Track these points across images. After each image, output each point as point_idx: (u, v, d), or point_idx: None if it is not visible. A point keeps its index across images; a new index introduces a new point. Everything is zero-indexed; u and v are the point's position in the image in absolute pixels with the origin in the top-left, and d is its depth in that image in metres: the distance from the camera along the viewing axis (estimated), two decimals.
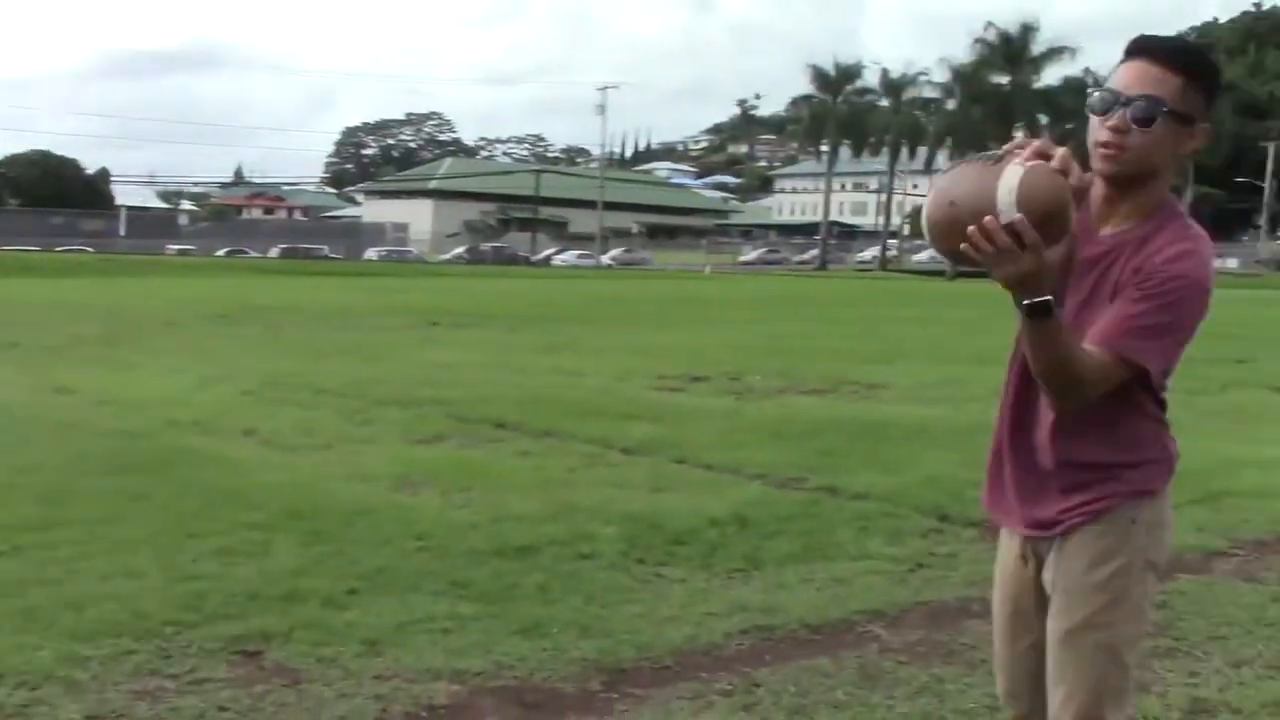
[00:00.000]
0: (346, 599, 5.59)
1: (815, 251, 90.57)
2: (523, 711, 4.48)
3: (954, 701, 4.62)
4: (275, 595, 5.59)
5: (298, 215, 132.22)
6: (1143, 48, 2.68)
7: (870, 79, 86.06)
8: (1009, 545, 3.03)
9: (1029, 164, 2.48)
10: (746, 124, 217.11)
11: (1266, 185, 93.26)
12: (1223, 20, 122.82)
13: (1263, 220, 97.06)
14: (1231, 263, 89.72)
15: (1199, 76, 2.66)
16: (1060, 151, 2.52)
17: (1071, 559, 2.81)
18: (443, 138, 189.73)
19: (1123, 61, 2.70)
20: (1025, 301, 2.53)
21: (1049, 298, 2.52)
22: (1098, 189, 2.74)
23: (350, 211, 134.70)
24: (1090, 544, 2.79)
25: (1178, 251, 2.67)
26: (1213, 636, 5.43)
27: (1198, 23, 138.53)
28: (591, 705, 4.55)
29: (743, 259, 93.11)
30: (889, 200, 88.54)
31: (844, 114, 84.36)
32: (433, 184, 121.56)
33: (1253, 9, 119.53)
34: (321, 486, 7.90)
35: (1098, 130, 2.67)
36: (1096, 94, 2.68)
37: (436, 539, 6.43)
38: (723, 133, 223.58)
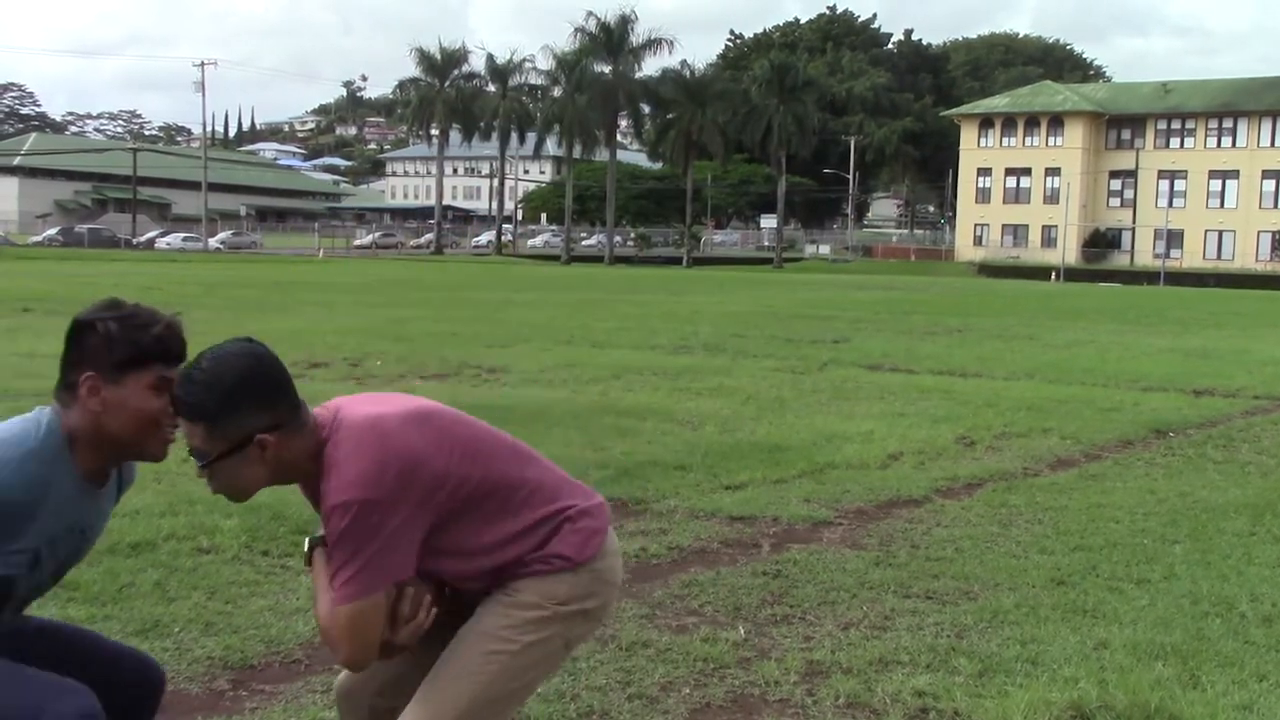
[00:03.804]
0: None
1: (431, 236, 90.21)
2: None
3: (587, 679, 4.72)
4: None
5: None
6: (174, 397, 2.75)
7: (477, 64, 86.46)
8: None
9: None
10: (353, 106, 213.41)
11: (851, 176, 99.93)
12: (804, 20, 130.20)
13: (849, 209, 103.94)
14: (824, 249, 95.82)
15: (213, 417, 2.69)
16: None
17: None
18: (25, 111, 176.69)
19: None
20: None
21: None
22: None
23: None
24: None
25: (330, 487, 2.73)
26: (823, 601, 5.79)
27: (780, 21, 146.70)
28: (219, 704, 4.39)
29: (357, 243, 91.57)
30: (501, 185, 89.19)
31: (452, 98, 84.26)
32: (17, 160, 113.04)
33: (828, 11, 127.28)
34: None
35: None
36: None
37: None
38: (330, 114, 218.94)
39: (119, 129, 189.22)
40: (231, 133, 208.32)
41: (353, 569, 2.70)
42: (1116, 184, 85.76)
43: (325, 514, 2.71)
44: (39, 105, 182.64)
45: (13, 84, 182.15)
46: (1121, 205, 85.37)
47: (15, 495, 2.68)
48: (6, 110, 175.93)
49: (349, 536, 2.69)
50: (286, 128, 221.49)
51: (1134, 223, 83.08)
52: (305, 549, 2.86)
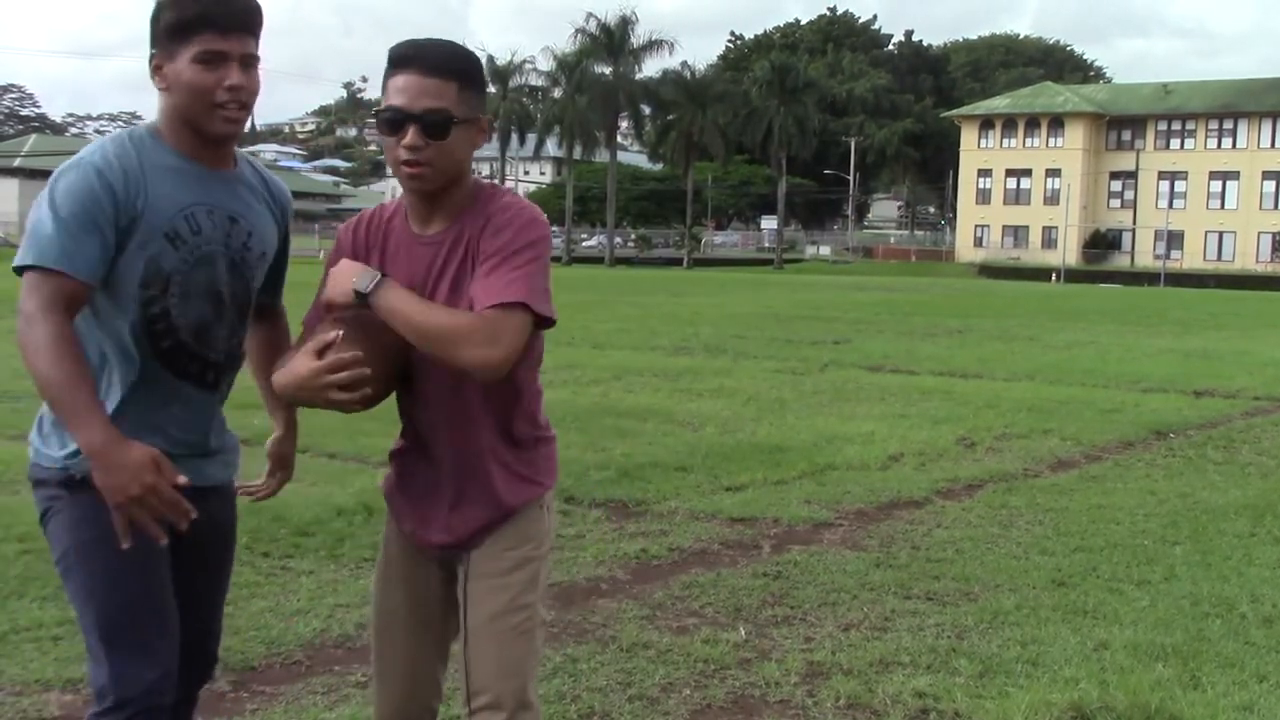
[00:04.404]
0: None
1: None
2: None
3: (588, 680, 4.72)
4: None
5: None
6: (409, 59, 2.64)
7: None
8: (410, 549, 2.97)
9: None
10: (354, 107, 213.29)
11: (852, 178, 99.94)
12: (804, 21, 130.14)
13: (850, 210, 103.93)
14: (824, 250, 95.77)
15: (466, 76, 2.67)
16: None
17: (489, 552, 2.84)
18: (25, 112, 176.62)
19: (392, 74, 2.66)
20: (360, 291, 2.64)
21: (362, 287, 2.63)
22: (410, 199, 2.79)
23: None
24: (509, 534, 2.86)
25: (513, 203, 2.77)
26: (824, 603, 5.80)
27: (780, 22, 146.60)
28: (220, 706, 4.39)
29: None
30: (501, 185, 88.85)
31: None
32: (17, 162, 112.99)
33: (828, 12, 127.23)
34: None
35: (394, 149, 2.65)
36: (384, 116, 2.64)
37: (43, 542, 5.99)
38: (330, 115, 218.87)
39: (119, 130, 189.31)
40: None
41: (531, 281, 2.65)
42: (1117, 185, 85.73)
43: (506, 221, 2.69)
44: (39, 107, 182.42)
45: (13, 85, 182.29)
46: (1122, 206, 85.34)
47: (98, 163, 2.63)
48: (7, 112, 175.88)
49: (535, 250, 2.69)
50: (287, 129, 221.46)
51: (1134, 224, 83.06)
52: (367, 286, 2.63)
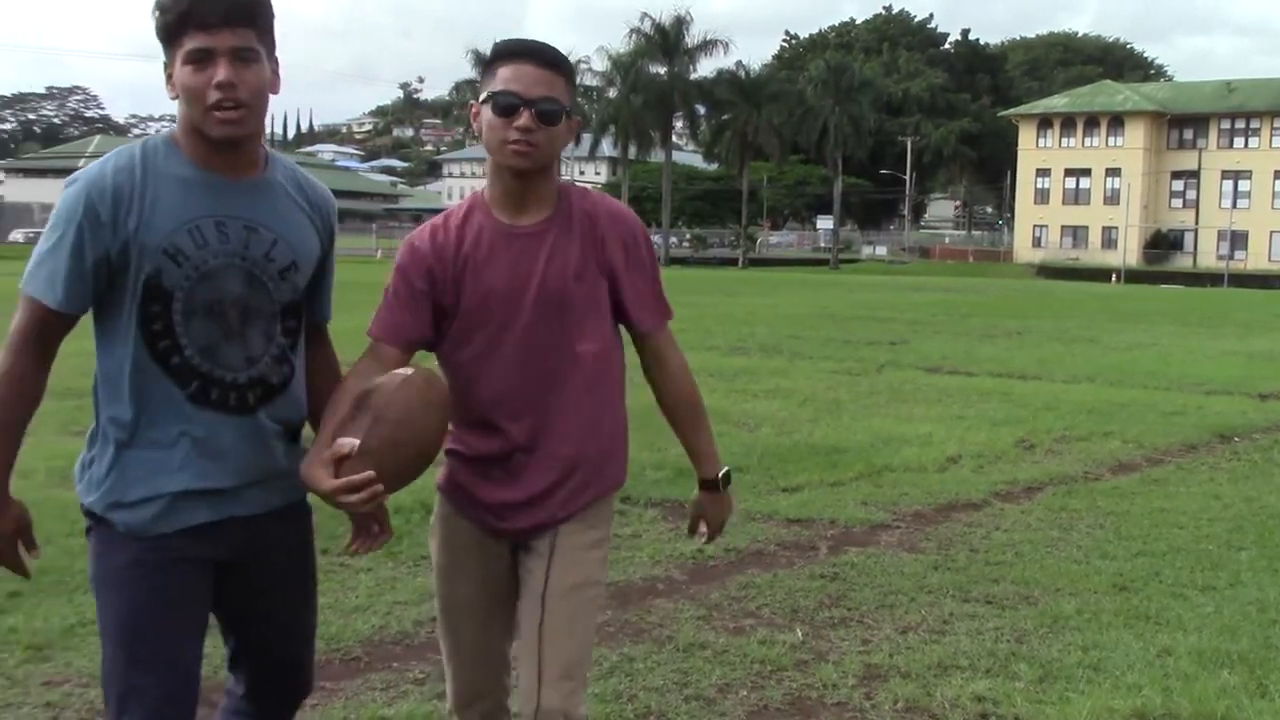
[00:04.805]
0: (7, 603, 5.26)
1: None
2: (209, 711, 4.29)
3: (644, 679, 4.72)
4: None
5: None
6: (524, 51, 2.85)
7: None
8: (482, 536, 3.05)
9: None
10: (411, 107, 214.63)
11: (908, 177, 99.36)
12: (860, 20, 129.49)
13: (906, 210, 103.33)
14: (880, 250, 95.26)
15: (570, 76, 2.89)
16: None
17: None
18: (90, 114, 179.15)
19: (502, 64, 2.84)
20: None
21: None
22: (498, 189, 2.92)
23: None
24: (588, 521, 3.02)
25: (620, 208, 3.02)
26: (881, 605, 5.76)
27: (836, 21, 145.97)
28: None
29: None
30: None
31: None
32: (81, 162, 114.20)
33: (884, 11, 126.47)
34: None
35: (504, 130, 2.80)
36: (501, 99, 2.80)
37: None
38: (387, 116, 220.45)
39: (140, 137, 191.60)
40: (290, 134, 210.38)
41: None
42: (1179, 184, 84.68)
43: (631, 233, 2.98)
44: (103, 108, 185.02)
45: (78, 87, 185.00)
46: (1184, 206, 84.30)
47: (93, 182, 2.57)
48: (72, 114, 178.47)
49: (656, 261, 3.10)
50: (344, 129, 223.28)
51: (1197, 224, 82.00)
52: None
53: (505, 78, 2.81)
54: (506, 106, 2.79)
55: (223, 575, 2.74)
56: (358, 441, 2.58)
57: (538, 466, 2.94)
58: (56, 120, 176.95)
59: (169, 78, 2.59)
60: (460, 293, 2.87)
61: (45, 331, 2.60)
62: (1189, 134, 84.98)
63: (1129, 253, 77.04)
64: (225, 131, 2.57)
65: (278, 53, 2.67)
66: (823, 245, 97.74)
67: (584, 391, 2.92)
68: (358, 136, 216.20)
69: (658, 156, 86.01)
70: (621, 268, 2.95)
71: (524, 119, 2.78)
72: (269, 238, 2.68)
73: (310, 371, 2.88)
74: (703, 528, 3.18)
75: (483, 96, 2.84)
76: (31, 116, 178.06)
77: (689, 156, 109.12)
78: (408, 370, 2.71)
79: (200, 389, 2.63)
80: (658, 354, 3.05)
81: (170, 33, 2.54)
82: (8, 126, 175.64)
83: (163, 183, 2.59)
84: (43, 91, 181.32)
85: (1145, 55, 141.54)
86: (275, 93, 2.66)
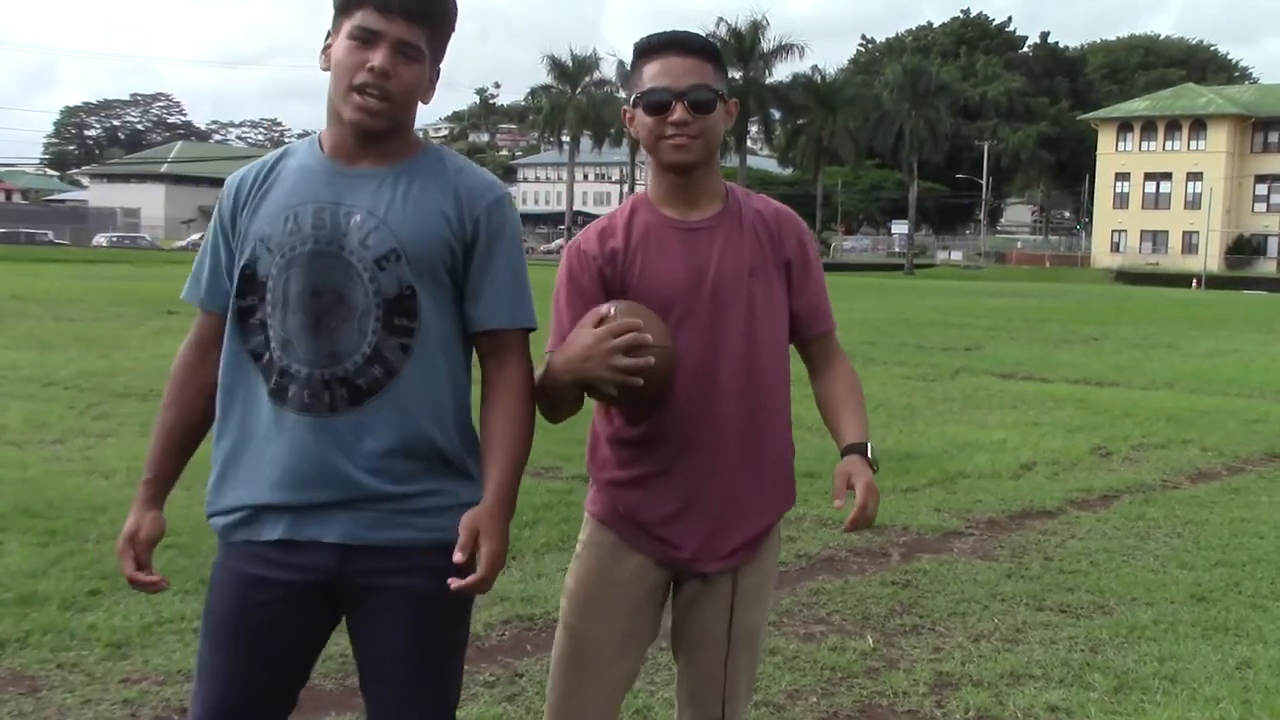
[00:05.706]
0: (88, 600, 5.34)
1: (561, 241, 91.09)
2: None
3: None
4: (8, 599, 5.31)
5: (17, 199, 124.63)
6: (667, 44, 2.76)
7: (608, 71, 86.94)
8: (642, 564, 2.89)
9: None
10: (486, 113, 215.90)
11: (984, 182, 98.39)
12: (937, 24, 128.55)
13: (982, 215, 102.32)
14: (956, 255, 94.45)
15: (718, 59, 2.80)
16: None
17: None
18: (172, 120, 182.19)
19: (646, 61, 2.76)
20: None
21: None
22: (664, 188, 2.83)
23: (75, 195, 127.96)
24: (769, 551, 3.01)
25: (789, 210, 2.99)
26: (953, 613, 5.71)
27: (913, 25, 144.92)
28: (351, 702, 4.45)
29: None
30: (631, 191, 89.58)
31: (583, 105, 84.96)
32: (164, 168, 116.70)
33: (962, 15, 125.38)
34: (56, 483, 7.50)
35: (659, 127, 2.72)
36: (651, 97, 2.72)
37: (184, 535, 6.11)
38: (463, 121, 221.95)
39: (260, 136, 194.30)
40: None
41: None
42: (1262, 189, 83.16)
43: (801, 235, 2.96)
44: (185, 115, 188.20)
45: (161, 94, 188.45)
46: (1268, 210, 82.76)
47: (245, 170, 2.59)
48: (155, 120, 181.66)
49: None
50: (421, 134, 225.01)
51: None
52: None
53: (652, 74, 2.73)
54: (658, 104, 2.71)
55: (341, 604, 2.53)
56: (614, 306, 2.60)
57: (719, 476, 2.85)
58: (140, 126, 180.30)
59: (326, 48, 2.48)
60: (632, 291, 2.75)
61: (202, 333, 2.60)
62: (1274, 137, 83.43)
63: (1210, 258, 75.76)
64: (359, 117, 2.41)
65: (442, 65, 2.57)
66: (897, 250, 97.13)
67: (772, 391, 2.93)
68: (434, 140, 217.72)
69: (732, 161, 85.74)
70: (799, 268, 2.90)
71: (678, 113, 2.70)
72: (370, 223, 2.43)
73: (485, 395, 2.56)
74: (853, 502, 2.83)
75: (633, 98, 2.76)
76: (116, 123, 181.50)
77: (764, 161, 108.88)
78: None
79: (279, 385, 2.43)
80: (831, 356, 3.10)
81: (346, 2, 2.44)
82: (93, 132, 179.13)
83: (285, 174, 2.51)
84: (127, 98, 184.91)
85: (1230, 58, 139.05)
86: (426, 102, 2.54)
